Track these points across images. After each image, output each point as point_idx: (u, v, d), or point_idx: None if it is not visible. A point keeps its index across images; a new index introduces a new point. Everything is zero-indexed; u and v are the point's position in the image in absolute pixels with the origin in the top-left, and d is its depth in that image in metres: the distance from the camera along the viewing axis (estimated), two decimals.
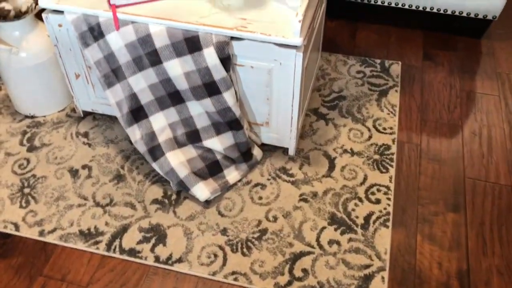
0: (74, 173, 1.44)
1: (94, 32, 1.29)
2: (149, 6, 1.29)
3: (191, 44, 1.24)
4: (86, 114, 1.61)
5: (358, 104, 1.64)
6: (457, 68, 1.79)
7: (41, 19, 1.41)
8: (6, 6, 1.44)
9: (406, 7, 1.88)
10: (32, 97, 1.56)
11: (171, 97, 1.35)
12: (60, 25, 1.36)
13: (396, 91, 1.69)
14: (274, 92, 1.34)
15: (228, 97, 1.29)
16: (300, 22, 1.18)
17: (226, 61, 1.26)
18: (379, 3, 1.90)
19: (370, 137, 1.53)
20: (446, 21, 1.92)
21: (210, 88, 1.28)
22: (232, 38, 1.25)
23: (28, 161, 1.47)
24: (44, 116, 1.61)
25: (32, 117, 1.60)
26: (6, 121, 1.59)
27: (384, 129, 1.56)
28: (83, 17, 1.29)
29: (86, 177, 1.43)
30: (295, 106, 1.34)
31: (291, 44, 1.21)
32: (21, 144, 1.52)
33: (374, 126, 1.57)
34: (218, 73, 1.26)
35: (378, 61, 1.81)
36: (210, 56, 1.24)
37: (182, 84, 1.30)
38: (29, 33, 1.46)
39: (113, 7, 1.27)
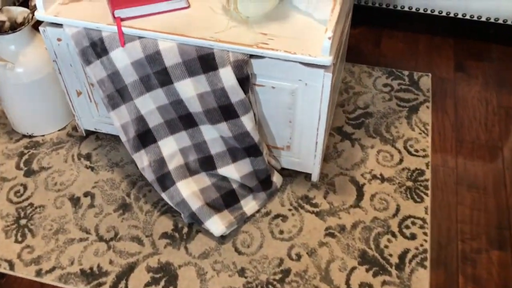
0: (75, 201, 1.30)
1: (96, 48, 1.16)
2: (158, 19, 1.15)
3: (205, 62, 1.10)
4: (89, 133, 1.47)
5: (387, 122, 1.49)
6: (493, 80, 1.63)
7: (38, 29, 1.28)
8: (0, 17, 1.30)
9: (436, 13, 1.73)
10: (30, 115, 1.42)
11: (183, 120, 1.21)
12: (59, 39, 1.22)
13: (428, 107, 1.54)
14: (297, 115, 1.19)
15: (246, 121, 1.15)
16: (330, 40, 1.03)
17: (245, 81, 1.12)
18: (406, 8, 1.75)
19: (401, 160, 1.39)
20: (479, 28, 1.77)
21: (226, 111, 1.14)
22: (252, 56, 1.11)
23: (25, 187, 1.34)
24: (43, 136, 1.47)
25: (30, 136, 1.47)
26: (2, 141, 1.46)
27: (416, 151, 1.41)
28: (84, 31, 1.15)
29: (88, 206, 1.29)
30: (320, 130, 1.19)
31: (319, 64, 1.06)
32: (18, 167, 1.39)
33: (405, 148, 1.42)
34: (236, 94, 1.12)
35: (406, 73, 1.66)
36: (226, 76, 1.10)
37: (195, 106, 1.16)
38: (26, 46, 1.33)
39: (118, 21, 1.13)
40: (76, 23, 1.16)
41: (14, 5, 1.73)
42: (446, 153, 1.41)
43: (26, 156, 1.42)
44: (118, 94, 1.20)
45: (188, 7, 1.19)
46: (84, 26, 1.15)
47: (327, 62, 1.05)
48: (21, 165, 1.40)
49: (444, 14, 1.72)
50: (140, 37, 1.13)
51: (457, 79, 1.64)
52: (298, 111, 1.18)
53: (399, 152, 1.41)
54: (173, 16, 1.16)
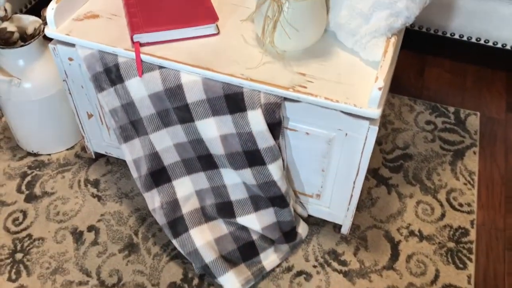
0: (77, 236, 1.18)
1: (111, 75, 1.02)
2: (182, 46, 1.01)
3: (232, 102, 0.96)
4: (99, 155, 1.35)
5: (428, 168, 1.34)
6: None
7: (50, 39, 1.15)
8: (9, 27, 1.17)
9: (490, 44, 1.55)
10: (37, 133, 1.30)
11: (202, 160, 1.07)
12: (70, 59, 1.09)
13: (475, 152, 1.38)
14: (332, 164, 1.05)
15: (274, 169, 1.01)
16: (380, 90, 0.88)
17: (276, 126, 0.97)
18: (456, 36, 1.58)
19: (443, 215, 1.23)
20: None
21: (251, 157, 1.00)
22: (286, 98, 0.96)
23: (25, 214, 1.22)
24: (49, 155, 1.35)
25: (36, 154, 1.35)
26: (5, 158, 1.34)
27: (461, 205, 1.26)
28: (98, 54, 1.02)
29: (91, 243, 1.17)
30: (358, 184, 1.05)
31: (365, 116, 0.91)
32: (19, 190, 1.27)
33: (448, 200, 1.26)
34: (264, 141, 0.97)
35: (452, 109, 1.49)
36: (255, 120, 0.95)
37: (216, 148, 1.02)
38: (35, 60, 1.20)
39: (137, 46, 0.99)
40: (90, 45, 1.02)
41: (21, 12, 1.59)
42: (494, 211, 1.25)
43: (29, 178, 1.30)
44: (132, 127, 1.07)
45: (218, 33, 1.05)
46: (99, 48, 1.02)
47: (374, 115, 0.90)
48: (23, 187, 1.28)
49: (499, 45, 1.54)
50: (160, 67, 0.99)
51: (509, 121, 1.47)
52: (334, 160, 1.04)
53: (441, 205, 1.25)
54: (200, 44, 1.02)
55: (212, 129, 1.00)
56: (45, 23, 1.19)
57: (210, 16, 1.03)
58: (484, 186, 1.31)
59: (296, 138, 1.02)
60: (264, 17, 0.95)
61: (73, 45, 1.05)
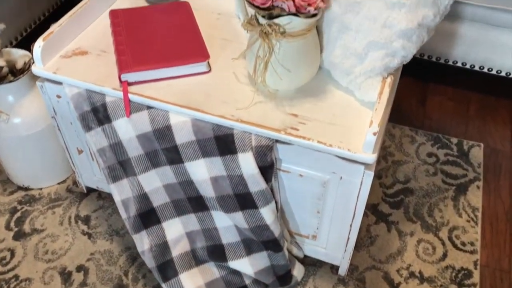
0: (66, 277, 1.14)
1: (98, 114, 0.99)
2: (172, 85, 0.98)
3: (223, 144, 0.93)
4: (90, 190, 1.31)
5: (430, 203, 1.29)
6: None
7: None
8: None
9: (494, 72, 1.51)
10: (27, 168, 1.27)
11: (192, 202, 1.03)
12: (58, 96, 1.06)
13: (478, 187, 1.33)
14: (327, 206, 1.01)
15: (266, 213, 0.97)
16: (375, 135, 0.84)
17: (268, 169, 0.93)
18: (459, 64, 1.54)
19: (445, 255, 1.18)
20: None
21: (243, 201, 0.96)
22: (278, 140, 0.92)
23: (12, 253, 1.19)
24: (41, 189, 1.32)
25: (27, 189, 1.32)
26: None
27: (463, 244, 1.21)
28: (86, 94, 0.99)
29: (80, 285, 1.13)
30: (355, 226, 1.00)
31: (360, 161, 0.87)
32: (8, 227, 1.24)
33: (450, 239, 1.21)
34: (256, 184, 0.93)
35: (455, 140, 1.45)
36: (246, 163, 0.92)
37: (207, 190, 0.98)
38: (24, 95, 1.17)
39: (125, 86, 0.96)
40: (77, 84, 0.99)
41: (11, 44, 1.57)
42: (499, 250, 1.20)
43: (18, 214, 1.26)
44: (120, 167, 1.03)
45: (209, 71, 1.01)
46: (86, 87, 0.99)
47: (369, 160, 0.86)
48: (12, 224, 1.24)
49: (503, 74, 1.50)
50: (148, 107, 0.96)
51: None
52: (329, 202, 1.00)
53: (443, 243, 1.21)
54: (190, 82, 0.99)
55: (202, 171, 0.97)
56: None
57: (201, 54, 1.00)
58: (488, 223, 1.26)
59: (290, 180, 0.98)
60: (255, 57, 0.92)
61: (60, 82, 1.03)
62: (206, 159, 0.95)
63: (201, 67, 1.00)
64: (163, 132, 0.95)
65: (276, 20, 0.86)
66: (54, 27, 1.03)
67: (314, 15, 0.86)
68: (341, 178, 0.93)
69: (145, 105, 0.96)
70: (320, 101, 0.96)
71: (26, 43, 1.65)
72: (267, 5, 0.84)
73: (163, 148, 0.97)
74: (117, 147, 1.01)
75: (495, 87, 1.61)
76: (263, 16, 0.87)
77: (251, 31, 0.91)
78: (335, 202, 0.98)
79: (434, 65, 1.61)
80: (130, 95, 0.96)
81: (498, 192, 1.33)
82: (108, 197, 1.30)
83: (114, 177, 1.05)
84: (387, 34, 0.89)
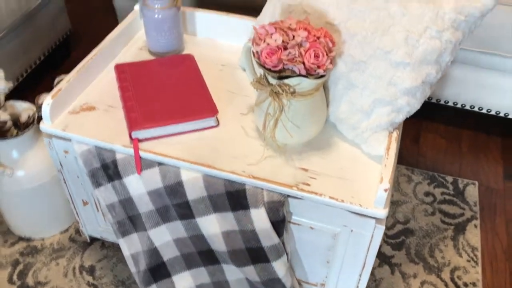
0: None
1: (108, 171, 1.00)
2: (181, 141, 0.99)
3: (234, 199, 0.94)
4: (94, 239, 1.31)
5: (430, 244, 1.32)
6: None
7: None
8: (2, 116, 1.15)
9: (484, 111, 1.56)
10: (29, 219, 1.26)
11: (203, 255, 1.04)
12: (66, 152, 1.07)
13: (476, 226, 1.36)
14: (337, 257, 1.02)
15: (279, 266, 0.98)
16: (386, 192, 0.87)
17: (280, 224, 0.95)
18: (450, 103, 1.59)
19: None
20: None
21: (255, 255, 0.97)
22: (289, 195, 0.94)
23: None
24: (43, 239, 1.31)
25: (28, 239, 1.31)
26: None
27: (466, 285, 1.23)
28: (95, 150, 1.00)
29: None
30: (364, 277, 1.02)
31: (371, 216, 0.90)
32: (10, 281, 1.22)
33: (453, 280, 1.24)
34: (268, 239, 0.95)
35: (450, 179, 1.49)
36: (259, 218, 0.93)
37: (218, 245, 0.99)
38: (29, 149, 1.17)
39: (135, 144, 0.97)
40: (86, 141, 1.00)
41: (17, 81, 1.58)
42: None
43: (21, 266, 1.25)
44: (129, 222, 1.04)
45: (217, 125, 1.03)
46: (96, 145, 1.00)
47: (381, 215, 0.89)
48: (15, 277, 1.23)
49: (493, 113, 1.55)
50: (159, 164, 0.97)
51: (508, 191, 1.47)
52: (339, 253, 1.01)
53: (446, 285, 1.23)
54: (199, 137, 1.01)
55: (214, 226, 0.98)
56: (39, 111, 1.17)
57: (210, 109, 1.02)
58: (488, 263, 1.29)
59: (300, 232, 1.00)
60: (265, 114, 0.94)
61: (69, 139, 1.03)
62: (218, 214, 0.97)
63: (209, 122, 1.02)
64: (175, 188, 0.96)
65: (286, 81, 0.89)
66: (63, 84, 1.04)
67: (322, 76, 0.89)
68: (352, 230, 0.95)
69: (156, 161, 0.97)
70: (328, 154, 0.98)
71: (22, 89, 1.66)
72: (279, 68, 0.87)
73: (174, 204, 0.98)
74: (127, 202, 1.01)
75: (485, 125, 1.67)
76: (273, 77, 0.90)
77: (261, 90, 0.93)
78: (345, 253, 1.00)
79: (426, 104, 1.65)
80: (141, 152, 0.97)
81: (495, 231, 1.36)
82: (112, 246, 1.30)
83: (124, 232, 1.05)
84: (392, 92, 0.92)
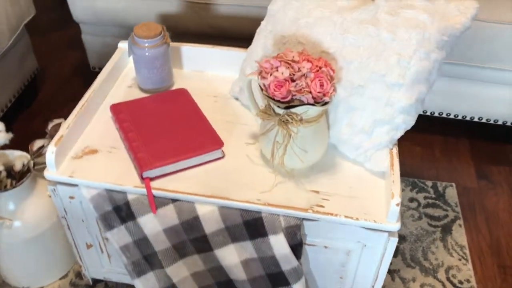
0: None
1: (121, 213, 1.00)
2: (191, 176, 1.01)
3: (252, 228, 0.97)
4: (97, 281, 1.29)
5: (422, 247, 1.39)
6: None
7: (38, 173, 1.12)
8: None
9: (452, 116, 1.67)
10: (28, 269, 1.23)
11: (221, 286, 1.05)
12: (71, 197, 1.05)
13: (460, 225, 1.45)
14: (350, 272, 1.07)
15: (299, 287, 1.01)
16: (398, 206, 0.92)
17: (298, 247, 0.98)
18: (420, 112, 1.68)
19: None
20: (492, 129, 1.73)
21: (275, 279, 1.00)
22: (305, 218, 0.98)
23: None
24: None
25: None
26: None
27: (461, 282, 1.31)
28: (106, 194, 0.99)
29: None
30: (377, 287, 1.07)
31: (385, 230, 0.95)
32: None
33: (449, 279, 1.32)
34: (288, 263, 0.98)
35: (430, 183, 1.58)
36: (278, 244, 0.96)
37: (238, 274, 1.01)
38: (26, 198, 1.15)
39: (148, 183, 0.98)
40: (95, 185, 1.00)
41: (7, 106, 1.53)
42: (492, 283, 1.32)
43: None
44: (145, 261, 1.04)
45: (223, 157, 1.06)
46: (106, 188, 1.00)
47: (394, 229, 0.94)
48: None
49: (460, 117, 1.67)
50: (174, 200, 0.98)
51: (482, 189, 1.57)
52: (352, 269, 1.06)
53: (443, 285, 1.30)
54: (207, 170, 1.03)
55: (233, 256, 1.00)
56: (33, 158, 1.15)
57: (215, 142, 1.04)
58: (476, 259, 1.38)
59: (315, 252, 1.04)
60: (273, 142, 0.98)
61: (75, 184, 1.02)
62: (236, 244, 0.99)
63: (216, 154, 1.04)
64: (191, 224, 0.98)
65: (293, 110, 0.93)
66: (63, 130, 1.04)
67: (327, 103, 0.94)
68: (365, 245, 1.00)
69: (170, 198, 0.98)
70: (334, 175, 1.03)
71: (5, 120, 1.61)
72: (288, 99, 0.91)
73: (192, 239, 0.99)
74: (142, 242, 1.02)
75: (453, 129, 1.78)
76: (280, 107, 0.94)
77: (268, 119, 0.97)
78: (358, 267, 1.05)
79: None
80: (154, 191, 0.98)
81: (477, 228, 1.46)
82: (116, 286, 1.28)
83: (139, 272, 1.05)
84: (390, 112, 0.98)
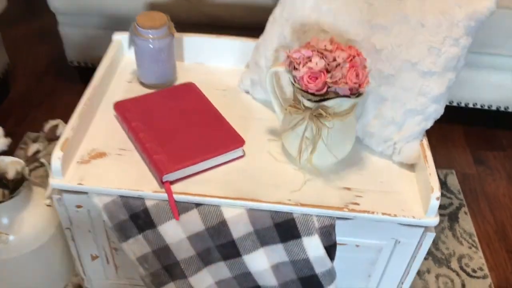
0: None
1: (138, 221, 0.91)
2: (213, 177, 0.93)
3: (284, 230, 0.90)
4: None
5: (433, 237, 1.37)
6: None
7: (35, 180, 1.01)
8: None
9: (447, 103, 1.66)
10: (24, 284, 1.11)
11: None
12: (79, 206, 0.95)
13: (466, 213, 1.45)
14: (378, 269, 1.03)
15: None
16: (438, 200, 0.89)
17: (332, 247, 0.93)
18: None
19: (463, 285, 1.27)
20: (484, 114, 1.74)
21: (308, 283, 0.95)
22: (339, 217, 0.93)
23: None
24: None
25: None
26: None
27: (474, 271, 1.30)
28: (121, 201, 0.90)
29: None
30: (406, 285, 1.04)
31: (424, 225, 0.91)
32: None
33: (462, 268, 1.31)
34: (322, 265, 0.93)
35: None
36: (312, 245, 0.90)
37: (267, 279, 0.95)
38: (22, 209, 1.04)
39: (168, 188, 0.90)
40: (109, 191, 0.90)
41: None
42: (503, 269, 1.32)
43: None
44: (165, 272, 0.96)
45: (244, 155, 0.99)
46: (121, 194, 0.91)
47: (433, 223, 0.91)
48: None
49: (455, 104, 1.66)
50: (197, 205, 0.90)
51: (481, 175, 1.58)
52: (381, 265, 1.02)
53: (458, 274, 1.29)
54: (230, 170, 0.95)
55: (262, 261, 0.93)
56: (28, 164, 1.04)
57: (236, 140, 0.97)
58: (485, 246, 1.37)
59: (345, 251, 0.99)
60: (301, 138, 0.92)
61: (84, 192, 0.93)
62: (266, 247, 0.92)
63: (237, 152, 0.97)
64: (218, 229, 0.90)
65: (325, 103, 0.87)
66: (67, 132, 0.93)
67: (360, 94, 0.89)
68: (399, 242, 0.96)
69: (194, 202, 0.91)
70: (362, 170, 0.98)
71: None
72: (323, 91, 0.85)
73: (218, 245, 0.92)
74: (162, 252, 0.93)
75: (447, 115, 1.76)
76: (311, 100, 0.87)
77: (297, 114, 0.91)
78: (388, 264, 1.01)
79: None
80: (175, 196, 0.90)
81: (482, 215, 1.46)
82: None
83: (159, 284, 0.96)
84: (422, 101, 0.94)
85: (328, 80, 0.84)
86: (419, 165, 0.96)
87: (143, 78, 1.12)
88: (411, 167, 0.99)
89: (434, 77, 0.93)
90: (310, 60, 0.85)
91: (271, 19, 1.07)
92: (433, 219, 0.90)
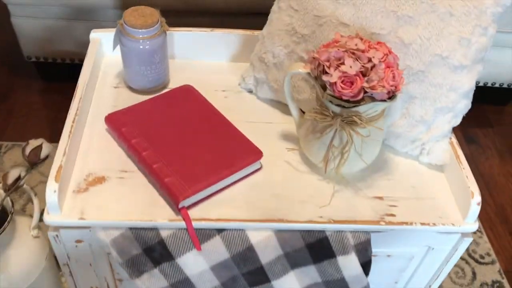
0: None
1: (153, 254, 0.80)
2: (231, 195, 0.83)
3: (317, 251, 0.82)
4: None
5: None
6: (506, 150, 1.58)
7: (16, 210, 0.86)
8: None
9: None
10: None
11: None
12: (79, 241, 0.83)
13: None
14: (406, 275, 0.97)
15: None
16: (478, 205, 0.83)
17: (367, 264, 0.86)
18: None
19: (474, 273, 1.25)
20: None
21: None
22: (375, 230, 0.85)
23: None
24: None
25: None
26: None
27: (482, 257, 1.28)
28: (132, 234, 0.78)
29: None
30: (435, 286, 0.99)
31: (463, 232, 0.86)
32: None
33: (470, 255, 1.28)
34: (358, 283, 0.85)
35: None
36: (348, 264, 0.83)
37: None
38: (7, 246, 0.89)
39: (185, 214, 0.78)
40: (116, 224, 0.78)
41: None
42: (509, 253, 1.31)
43: None
44: None
45: (261, 167, 0.89)
46: (130, 226, 0.79)
47: (473, 229, 0.85)
48: None
49: None
50: (219, 231, 0.80)
51: (474, 154, 1.55)
52: (410, 272, 0.96)
53: (467, 262, 1.27)
54: (248, 188, 0.85)
55: (292, 284, 0.85)
56: (9, 194, 0.89)
57: (253, 151, 0.86)
58: (489, 230, 1.36)
59: (375, 262, 0.92)
60: (328, 147, 0.83)
61: (88, 226, 0.80)
62: (297, 270, 0.84)
63: (255, 166, 0.87)
64: (244, 255, 0.81)
65: (355, 109, 0.78)
66: (60, 159, 0.79)
67: (395, 96, 0.80)
68: (432, 249, 0.90)
69: (215, 228, 0.80)
70: (390, 174, 0.91)
71: None
72: (359, 97, 0.75)
73: (245, 273, 0.83)
74: (181, 285, 0.83)
75: None
76: (344, 106, 0.78)
77: (324, 121, 0.81)
78: (417, 270, 0.95)
79: None
80: (195, 223, 0.79)
81: (482, 197, 1.43)
82: None
83: None
84: (453, 98, 0.87)
85: (365, 85, 0.74)
86: (450, 166, 0.90)
87: (132, 83, 0.98)
88: (439, 167, 0.93)
89: (465, 71, 0.86)
90: (343, 63, 0.75)
91: (275, 9, 0.96)
92: (473, 225, 0.84)
